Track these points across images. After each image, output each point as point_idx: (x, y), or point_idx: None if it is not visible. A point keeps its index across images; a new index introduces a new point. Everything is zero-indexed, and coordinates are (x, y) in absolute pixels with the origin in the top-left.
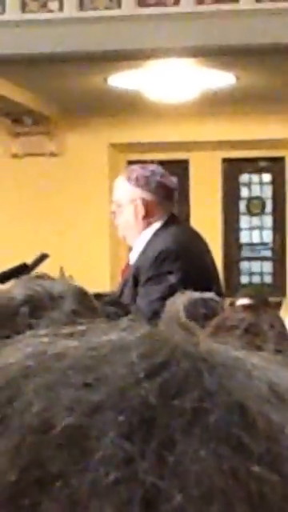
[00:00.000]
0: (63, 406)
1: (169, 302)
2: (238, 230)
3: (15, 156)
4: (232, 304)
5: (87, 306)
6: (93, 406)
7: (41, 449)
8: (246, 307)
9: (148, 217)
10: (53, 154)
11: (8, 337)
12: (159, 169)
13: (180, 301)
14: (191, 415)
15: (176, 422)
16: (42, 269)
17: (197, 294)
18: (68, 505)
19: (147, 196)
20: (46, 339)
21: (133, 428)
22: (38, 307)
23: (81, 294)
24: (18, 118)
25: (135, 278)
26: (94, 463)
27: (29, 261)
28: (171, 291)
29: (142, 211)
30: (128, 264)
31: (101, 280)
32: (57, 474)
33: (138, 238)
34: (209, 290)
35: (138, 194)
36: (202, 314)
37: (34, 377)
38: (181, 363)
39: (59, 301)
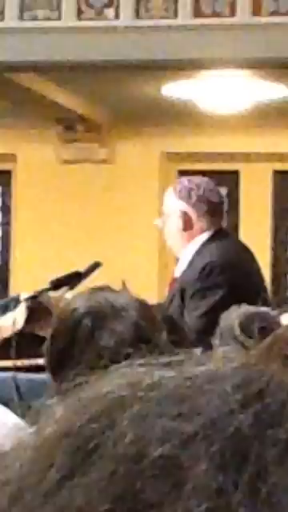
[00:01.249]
0: (156, 437)
1: (223, 316)
2: (287, 243)
3: (66, 162)
4: None
5: (149, 318)
6: (186, 436)
7: (133, 479)
8: None
9: (188, 229)
10: (104, 162)
11: (71, 347)
12: (206, 182)
13: (235, 315)
14: (285, 446)
15: (270, 452)
16: (90, 277)
17: (252, 309)
18: None
19: (187, 209)
20: (142, 369)
21: (226, 459)
22: (100, 319)
23: (143, 307)
24: (70, 124)
25: (182, 292)
26: (186, 493)
27: (79, 268)
28: (218, 305)
29: (180, 223)
30: (174, 277)
31: (148, 290)
32: (149, 503)
33: (182, 249)
34: (255, 304)
35: (179, 206)
36: (257, 329)
37: (128, 407)
38: (275, 394)
39: (122, 313)
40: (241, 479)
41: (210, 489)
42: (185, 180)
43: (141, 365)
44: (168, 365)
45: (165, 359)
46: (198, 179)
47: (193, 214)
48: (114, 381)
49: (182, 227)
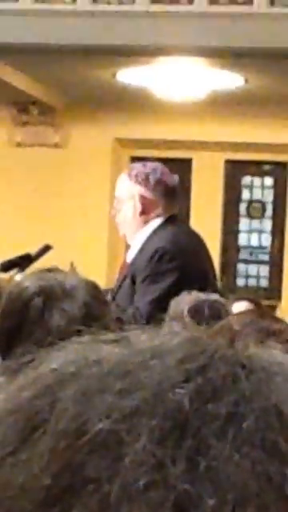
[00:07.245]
0: (97, 412)
1: (173, 302)
2: (237, 232)
3: (19, 145)
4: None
5: (98, 299)
6: (126, 411)
7: (74, 454)
8: (252, 311)
9: (145, 214)
10: (57, 146)
11: (21, 326)
12: (160, 167)
13: (184, 301)
14: (225, 420)
15: (209, 426)
16: (40, 260)
17: (202, 296)
18: (99, 509)
19: (145, 193)
20: (88, 346)
21: (164, 433)
22: (50, 298)
23: (92, 288)
24: (24, 107)
25: (132, 276)
26: (124, 468)
27: (29, 250)
28: (168, 291)
29: (139, 208)
30: (126, 262)
31: (97, 276)
32: (88, 478)
33: (136, 235)
34: (204, 290)
35: (137, 190)
36: (206, 316)
37: (71, 383)
38: (218, 368)
39: (72, 293)
40: (179, 453)
41: (148, 463)
42: (139, 165)
43: (88, 341)
44: (115, 341)
45: (113, 335)
46: (152, 164)
47: (151, 197)
48: (60, 358)
49: (140, 211)
